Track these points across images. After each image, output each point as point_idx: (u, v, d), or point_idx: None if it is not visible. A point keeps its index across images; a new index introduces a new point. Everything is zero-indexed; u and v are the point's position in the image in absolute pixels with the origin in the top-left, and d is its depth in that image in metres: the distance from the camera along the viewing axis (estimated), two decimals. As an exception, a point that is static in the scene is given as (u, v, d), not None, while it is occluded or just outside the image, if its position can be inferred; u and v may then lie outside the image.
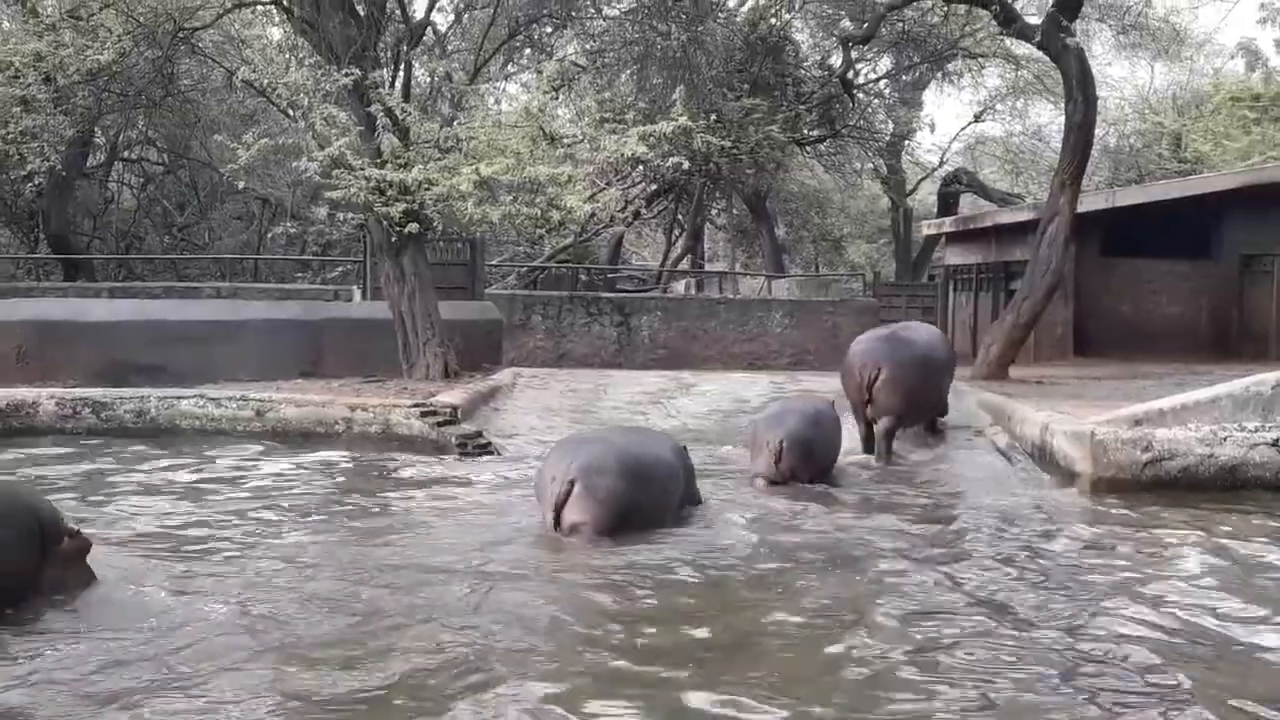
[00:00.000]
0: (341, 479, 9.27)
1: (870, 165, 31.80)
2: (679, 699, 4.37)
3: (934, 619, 5.35)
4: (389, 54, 15.38)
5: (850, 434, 10.50)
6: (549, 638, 5.11)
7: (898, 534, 7.34)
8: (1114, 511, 7.89)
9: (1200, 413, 9.08)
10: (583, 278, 27.01)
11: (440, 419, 10.68)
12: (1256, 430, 8.49)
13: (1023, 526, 7.54)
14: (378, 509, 8.08)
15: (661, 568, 6.36)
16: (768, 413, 9.76)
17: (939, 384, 11.41)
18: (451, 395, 11.83)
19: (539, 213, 13.39)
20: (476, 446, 10.38)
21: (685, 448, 8.21)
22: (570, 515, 6.85)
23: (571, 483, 6.86)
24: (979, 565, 6.48)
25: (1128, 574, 6.29)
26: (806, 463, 9.10)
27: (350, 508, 8.11)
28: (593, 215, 15.73)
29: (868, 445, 10.75)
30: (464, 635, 5.06)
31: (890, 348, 10.84)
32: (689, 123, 13.68)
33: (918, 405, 10.97)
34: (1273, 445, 8.40)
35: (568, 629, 5.25)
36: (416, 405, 10.92)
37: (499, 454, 10.36)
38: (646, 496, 7.20)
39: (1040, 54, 20.79)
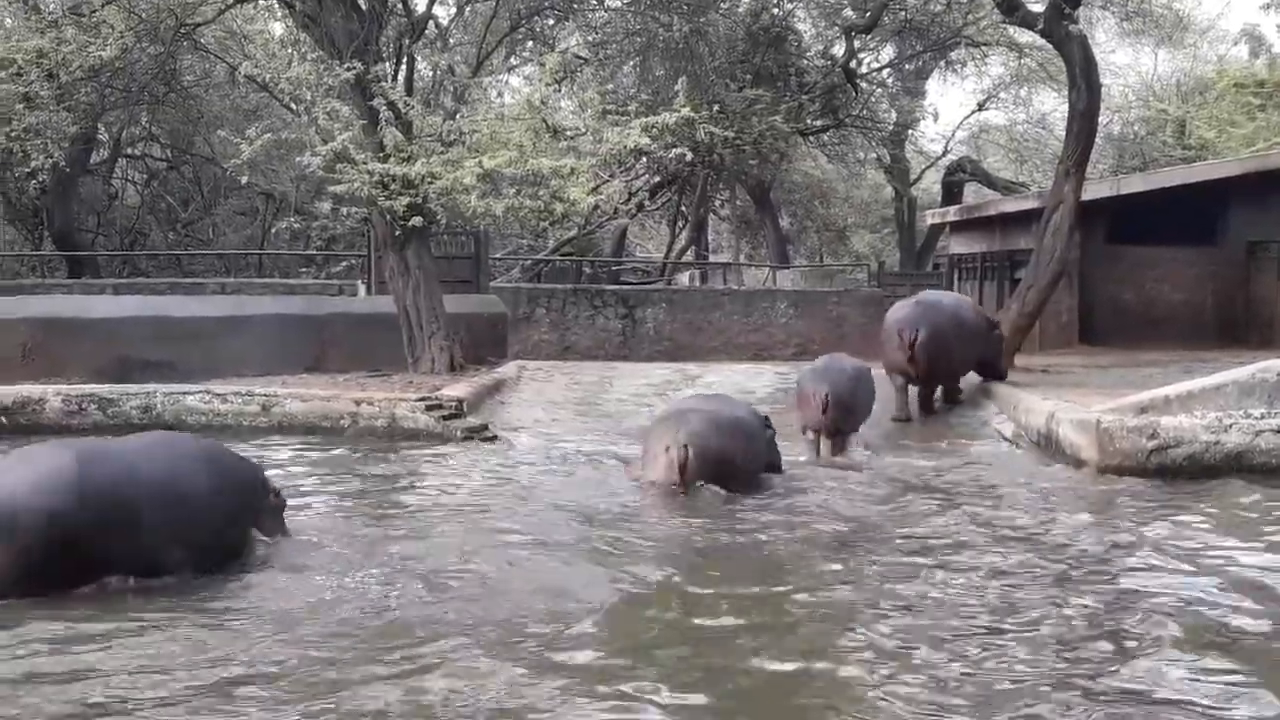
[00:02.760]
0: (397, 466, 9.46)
1: (874, 155, 31.68)
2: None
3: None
4: (391, 48, 15.36)
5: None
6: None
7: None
8: (1124, 497, 7.92)
9: (1206, 400, 9.07)
10: (587, 270, 26.99)
11: (446, 412, 10.69)
12: (1262, 417, 8.48)
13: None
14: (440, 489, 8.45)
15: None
16: (812, 368, 10.80)
17: (971, 345, 12.41)
18: (457, 389, 11.84)
19: (542, 205, 13.39)
20: (482, 440, 10.39)
21: (767, 417, 9.11)
22: (690, 475, 7.94)
23: (686, 447, 7.93)
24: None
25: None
26: (847, 414, 10.25)
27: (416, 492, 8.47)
28: (596, 207, 15.72)
29: (903, 407, 11.98)
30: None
31: (925, 312, 12.11)
32: (692, 114, 13.68)
33: (954, 365, 12.20)
34: (1278, 432, 8.39)
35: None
36: (422, 399, 10.94)
37: (508, 446, 10.37)
38: (745, 455, 8.42)
39: (1043, 42, 20.70)
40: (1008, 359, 15.61)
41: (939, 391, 12.65)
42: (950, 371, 12.35)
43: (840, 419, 10.14)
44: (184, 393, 11.06)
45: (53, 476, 5.44)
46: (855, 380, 10.49)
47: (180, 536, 5.76)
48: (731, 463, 8.24)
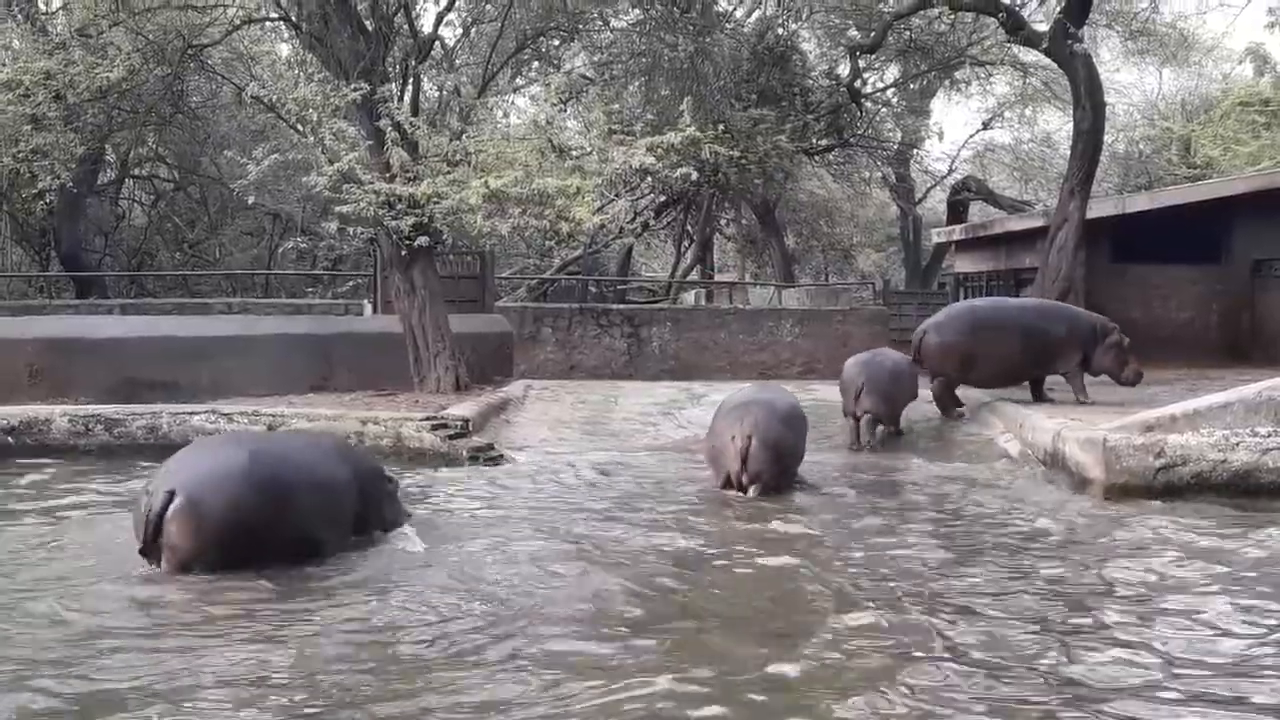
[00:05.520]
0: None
1: (879, 174, 31.71)
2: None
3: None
4: (397, 68, 15.41)
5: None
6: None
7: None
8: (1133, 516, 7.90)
9: (1212, 418, 9.04)
10: (592, 290, 27.01)
11: (452, 432, 10.69)
12: (1269, 435, 8.45)
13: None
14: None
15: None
16: (854, 360, 11.90)
17: (1005, 347, 12.65)
18: (463, 408, 11.84)
19: (548, 225, 13.39)
20: (488, 459, 10.39)
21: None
22: (753, 465, 8.69)
23: (749, 438, 8.63)
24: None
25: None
26: (885, 403, 11.49)
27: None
28: (602, 227, 15.76)
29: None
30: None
31: (944, 315, 13.13)
32: (697, 133, 13.69)
33: (972, 364, 12.57)
34: (1286, 450, 8.35)
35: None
36: (428, 418, 10.94)
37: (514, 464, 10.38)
38: (800, 443, 9.35)
39: (1048, 61, 20.78)
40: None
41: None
42: (965, 372, 12.71)
43: (876, 406, 11.37)
44: (190, 413, 11.07)
45: (232, 469, 6.25)
46: (894, 372, 11.71)
47: (325, 523, 6.63)
48: (790, 452, 9.08)
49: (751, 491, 8.71)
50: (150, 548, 6.13)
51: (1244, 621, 5.44)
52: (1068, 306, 14.09)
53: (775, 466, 8.86)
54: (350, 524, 6.88)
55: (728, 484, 8.94)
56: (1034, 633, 5.30)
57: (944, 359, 12.58)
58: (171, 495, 6.07)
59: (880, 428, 11.69)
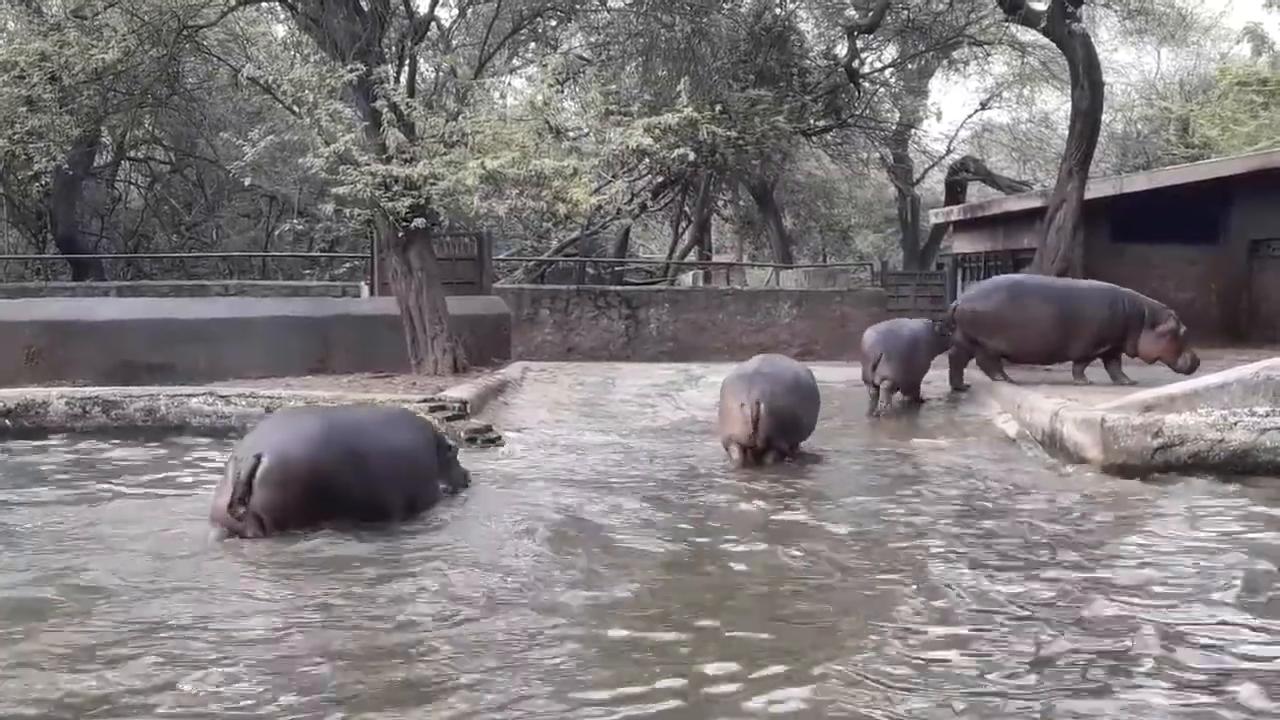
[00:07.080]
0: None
1: (877, 154, 31.64)
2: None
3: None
4: (393, 49, 15.35)
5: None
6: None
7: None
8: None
9: (1210, 398, 9.03)
10: (590, 271, 27.00)
11: (449, 413, 10.68)
12: (1267, 415, 8.45)
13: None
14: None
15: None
16: (873, 329, 12.40)
17: (1028, 321, 12.84)
18: (460, 390, 11.83)
19: (545, 206, 13.36)
20: (486, 440, 10.39)
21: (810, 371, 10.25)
22: (762, 431, 8.88)
23: (759, 404, 8.83)
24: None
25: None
26: (902, 371, 11.95)
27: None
28: (599, 208, 15.72)
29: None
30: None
31: (976, 289, 13.72)
32: (694, 114, 13.65)
33: (1001, 339, 12.86)
34: (1283, 429, 8.35)
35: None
36: (425, 400, 10.92)
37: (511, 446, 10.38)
38: (808, 412, 9.63)
39: (1046, 40, 20.74)
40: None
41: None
42: (998, 345, 12.90)
43: (894, 374, 11.83)
44: (188, 395, 11.06)
45: (313, 434, 6.62)
46: (912, 341, 12.14)
47: (394, 487, 6.98)
48: (797, 419, 9.30)
49: (768, 459, 9.02)
50: (235, 509, 6.35)
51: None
52: (1116, 288, 13.84)
53: (785, 433, 9.09)
54: (416, 487, 7.25)
55: (729, 445, 9.21)
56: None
57: (978, 329, 12.81)
58: (259, 458, 6.32)
59: (898, 395, 12.17)
